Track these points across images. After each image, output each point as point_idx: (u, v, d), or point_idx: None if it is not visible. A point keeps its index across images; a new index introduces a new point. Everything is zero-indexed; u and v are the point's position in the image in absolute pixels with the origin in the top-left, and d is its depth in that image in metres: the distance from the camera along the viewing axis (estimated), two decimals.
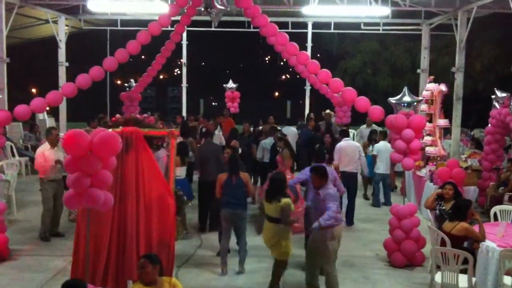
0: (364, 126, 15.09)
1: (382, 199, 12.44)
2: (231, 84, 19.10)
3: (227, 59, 40.72)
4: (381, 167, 12.14)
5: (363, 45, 25.27)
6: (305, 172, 8.11)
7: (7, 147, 13.69)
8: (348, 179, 10.50)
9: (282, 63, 37.34)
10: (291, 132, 14.71)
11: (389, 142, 12.04)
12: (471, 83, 21.96)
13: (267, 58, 42.86)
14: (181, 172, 9.75)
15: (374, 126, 14.78)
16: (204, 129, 13.23)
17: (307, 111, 19.51)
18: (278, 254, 7.29)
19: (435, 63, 21.72)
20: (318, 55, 23.40)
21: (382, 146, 12.21)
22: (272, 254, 7.41)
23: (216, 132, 13.96)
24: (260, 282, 7.74)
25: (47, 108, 9.56)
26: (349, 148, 10.88)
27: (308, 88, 19.47)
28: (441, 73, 19.55)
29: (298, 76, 15.94)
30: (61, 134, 16.33)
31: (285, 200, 7.09)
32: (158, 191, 6.57)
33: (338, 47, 26.49)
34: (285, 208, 7.06)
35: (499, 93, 11.94)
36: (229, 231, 8.12)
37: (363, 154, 11.18)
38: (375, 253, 9.12)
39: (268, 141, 12.15)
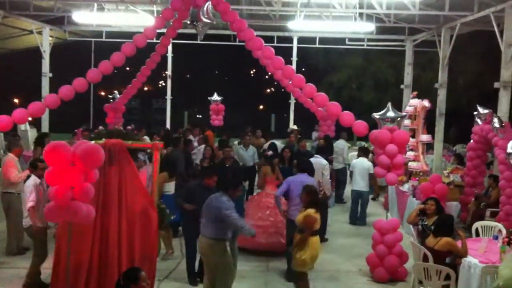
0: (341, 140, 14.79)
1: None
2: (215, 97, 19.07)
3: (212, 72, 40.82)
4: (356, 184, 12.06)
5: (348, 59, 25.44)
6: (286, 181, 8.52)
7: None
8: None
9: (267, 77, 37.56)
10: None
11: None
12: (453, 98, 22.14)
13: (252, 72, 43.06)
14: (170, 187, 9.48)
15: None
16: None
17: (291, 125, 19.53)
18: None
19: (419, 79, 21.90)
20: (303, 69, 23.45)
21: (357, 162, 12.19)
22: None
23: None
24: None
25: (29, 119, 9.41)
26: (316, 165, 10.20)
27: (292, 101, 19.53)
28: (425, 89, 19.68)
29: (282, 90, 15.92)
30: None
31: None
32: (140, 204, 6.51)
33: (323, 61, 26.65)
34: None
35: (481, 110, 11.98)
36: None
37: (326, 173, 10.61)
38: (359, 268, 9.11)
39: None
